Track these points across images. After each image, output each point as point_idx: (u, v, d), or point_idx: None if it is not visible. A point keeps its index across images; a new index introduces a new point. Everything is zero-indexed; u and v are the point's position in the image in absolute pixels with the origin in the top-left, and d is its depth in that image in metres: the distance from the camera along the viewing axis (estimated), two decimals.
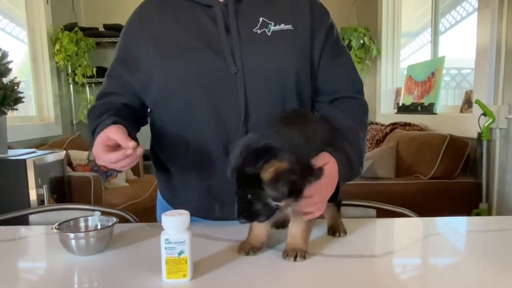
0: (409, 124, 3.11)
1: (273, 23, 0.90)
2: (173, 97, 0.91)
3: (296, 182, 0.65)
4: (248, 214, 0.69)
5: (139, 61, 0.92)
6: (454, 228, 0.96)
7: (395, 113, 3.59)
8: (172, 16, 0.92)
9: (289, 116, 0.81)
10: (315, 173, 0.70)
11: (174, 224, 0.65)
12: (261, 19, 0.90)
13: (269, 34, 0.89)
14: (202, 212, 0.96)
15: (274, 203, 0.67)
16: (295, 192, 0.67)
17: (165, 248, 0.65)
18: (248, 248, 0.76)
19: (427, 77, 3.21)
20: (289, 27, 0.90)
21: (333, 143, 0.82)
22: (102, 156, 0.79)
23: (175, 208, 0.93)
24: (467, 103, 2.69)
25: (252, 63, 0.88)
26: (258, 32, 0.89)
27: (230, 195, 0.82)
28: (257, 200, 0.67)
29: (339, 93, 0.96)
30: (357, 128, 0.90)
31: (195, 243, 0.68)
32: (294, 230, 0.76)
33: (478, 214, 2.25)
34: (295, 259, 0.73)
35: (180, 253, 0.65)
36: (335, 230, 0.86)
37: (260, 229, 0.78)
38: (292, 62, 0.90)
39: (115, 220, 0.82)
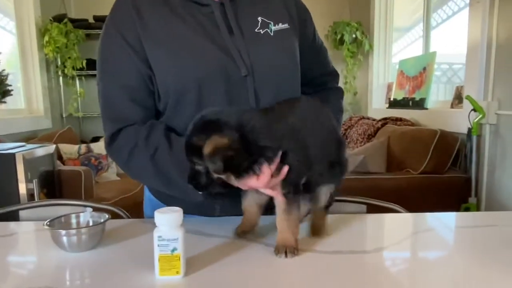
0: (400, 119, 3.14)
1: (272, 23, 0.90)
2: (185, 99, 0.86)
3: (235, 158, 0.69)
4: (195, 182, 0.74)
5: (147, 58, 0.85)
6: (443, 223, 0.98)
7: (387, 108, 3.61)
8: (172, 14, 0.86)
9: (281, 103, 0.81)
10: (266, 155, 0.71)
11: (167, 221, 0.65)
12: (260, 18, 0.89)
13: (272, 34, 0.89)
14: (202, 211, 0.95)
15: (215, 175, 0.71)
16: (233, 167, 0.70)
17: (158, 245, 0.65)
18: (239, 231, 0.84)
19: (419, 72, 3.24)
20: (286, 26, 0.91)
21: None
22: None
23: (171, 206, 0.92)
24: (458, 98, 2.72)
25: (261, 65, 0.87)
26: (261, 32, 0.89)
27: (232, 197, 0.86)
28: (202, 169, 0.72)
29: (325, 85, 1.07)
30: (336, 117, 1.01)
31: (188, 239, 0.68)
32: (281, 225, 0.76)
33: (467, 209, 2.29)
34: (286, 255, 0.73)
35: (173, 250, 0.65)
36: (315, 231, 0.83)
37: (251, 213, 0.84)
38: (296, 61, 0.92)
39: (107, 216, 0.82)
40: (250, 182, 0.73)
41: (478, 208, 2.31)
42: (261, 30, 0.89)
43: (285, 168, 0.73)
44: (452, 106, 2.78)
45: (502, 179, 2.22)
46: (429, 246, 0.82)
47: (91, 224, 0.82)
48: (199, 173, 0.72)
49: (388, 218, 1.02)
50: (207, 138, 0.68)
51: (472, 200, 2.31)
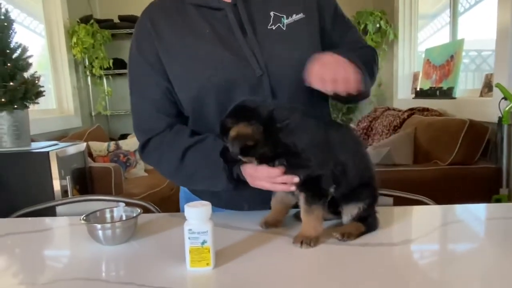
0: (427, 109, 3.06)
1: (285, 16, 0.89)
2: (205, 105, 0.89)
3: (253, 147, 0.75)
4: (224, 157, 0.83)
5: (166, 71, 0.91)
6: (473, 215, 0.96)
7: (413, 98, 3.53)
8: (184, 24, 0.89)
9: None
10: (287, 153, 0.76)
11: (197, 215, 0.67)
12: (272, 13, 0.89)
13: (284, 29, 0.88)
14: (231, 207, 0.99)
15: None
16: (252, 155, 0.77)
17: (189, 238, 0.67)
18: (263, 222, 0.87)
19: (446, 61, 3.15)
20: (300, 16, 0.90)
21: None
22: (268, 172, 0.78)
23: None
24: (487, 86, 2.63)
25: (275, 62, 0.87)
26: (273, 28, 0.88)
27: (259, 197, 0.90)
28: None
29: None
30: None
31: (217, 233, 0.70)
32: (304, 218, 0.79)
33: (498, 200, 2.22)
34: (301, 245, 0.75)
35: (203, 243, 0.67)
36: (344, 232, 0.80)
37: (277, 211, 0.88)
38: (312, 51, 0.89)
39: (139, 211, 0.85)
40: (261, 174, 0.78)
41: (509, 199, 2.24)
42: (273, 26, 0.88)
43: (295, 179, 0.77)
44: (481, 95, 2.69)
45: None
46: (458, 238, 0.81)
47: (124, 218, 0.85)
48: (228, 150, 0.78)
49: (415, 210, 1.01)
50: (236, 123, 0.75)
51: (503, 191, 2.24)
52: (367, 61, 0.91)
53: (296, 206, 0.90)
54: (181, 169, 0.91)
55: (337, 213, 0.85)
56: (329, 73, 0.77)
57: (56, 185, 2.03)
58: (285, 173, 0.77)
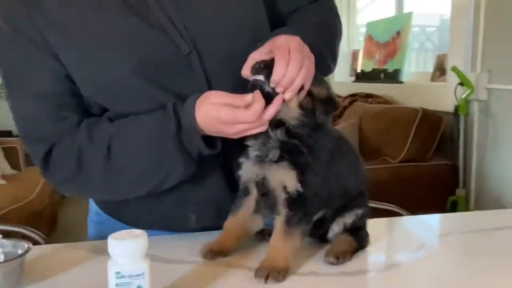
0: (371, 95, 3.25)
1: None
2: (121, 97, 0.84)
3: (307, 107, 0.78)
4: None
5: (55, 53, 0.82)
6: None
7: (353, 82, 3.73)
8: None
9: None
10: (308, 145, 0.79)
11: (128, 251, 0.60)
12: None
13: None
14: (170, 224, 0.94)
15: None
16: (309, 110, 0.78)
17: (116, 285, 0.60)
18: (205, 250, 0.83)
19: (391, 38, 3.36)
20: None
21: None
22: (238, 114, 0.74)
23: (126, 222, 0.90)
24: (440, 69, 2.86)
25: (204, 36, 0.84)
26: None
27: (210, 200, 0.89)
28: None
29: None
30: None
31: (155, 271, 0.63)
32: (275, 243, 0.77)
33: (454, 202, 2.44)
34: (266, 281, 0.73)
35: None
36: (337, 254, 0.81)
37: (230, 235, 0.85)
38: (248, 15, 0.89)
39: (26, 246, 0.74)
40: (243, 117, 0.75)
41: (467, 201, 2.46)
42: None
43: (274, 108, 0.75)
44: (432, 79, 2.92)
45: (494, 166, 2.38)
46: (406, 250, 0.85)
47: (3, 259, 0.73)
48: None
49: (389, 223, 1.05)
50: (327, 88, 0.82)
51: (460, 191, 2.46)
52: (327, 27, 0.95)
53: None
54: (112, 168, 0.83)
55: (315, 235, 0.87)
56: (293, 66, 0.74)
57: None
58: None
